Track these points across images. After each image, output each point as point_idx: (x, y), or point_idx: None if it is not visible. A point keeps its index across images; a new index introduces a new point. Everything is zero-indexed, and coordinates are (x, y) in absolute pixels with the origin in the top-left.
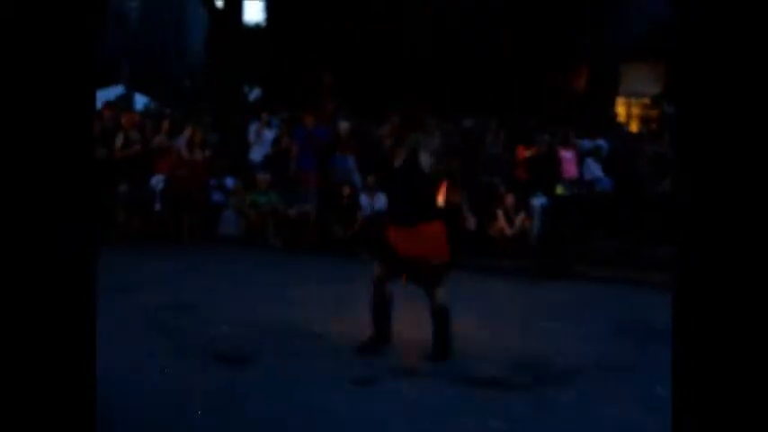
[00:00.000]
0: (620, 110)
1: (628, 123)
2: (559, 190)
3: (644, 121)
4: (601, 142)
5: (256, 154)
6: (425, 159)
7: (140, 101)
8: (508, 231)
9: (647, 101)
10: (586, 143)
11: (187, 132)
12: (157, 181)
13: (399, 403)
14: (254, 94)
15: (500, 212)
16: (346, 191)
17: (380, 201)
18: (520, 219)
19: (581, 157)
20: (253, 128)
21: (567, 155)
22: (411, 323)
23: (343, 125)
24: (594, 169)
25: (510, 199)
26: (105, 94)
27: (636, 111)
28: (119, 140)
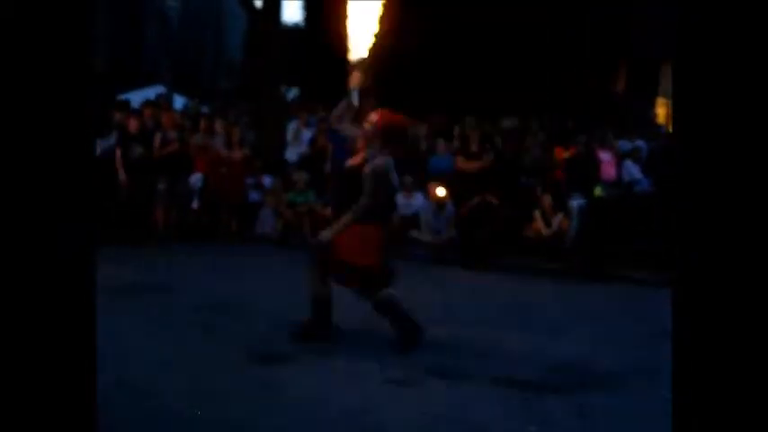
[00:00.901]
0: (660, 111)
1: (667, 124)
2: (597, 191)
3: None
4: (640, 143)
5: (294, 153)
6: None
7: (179, 100)
8: (545, 232)
9: None
10: (625, 144)
11: (219, 127)
12: (196, 179)
13: (438, 405)
14: (292, 93)
15: (537, 213)
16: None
17: (417, 200)
18: (557, 220)
19: (620, 159)
20: (291, 127)
21: (605, 156)
22: (450, 322)
23: None
24: (633, 171)
25: (547, 200)
26: (145, 94)
27: None
28: (157, 139)
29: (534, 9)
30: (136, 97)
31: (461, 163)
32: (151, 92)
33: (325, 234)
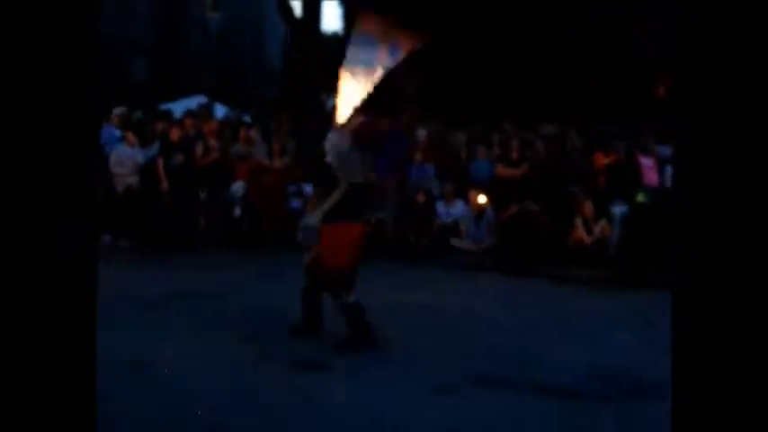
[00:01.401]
0: None
1: None
2: (639, 197)
3: None
4: None
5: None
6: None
7: (220, 109)
8: (587, 239)
9: None
10: (666, 150)
11: (258, 136)
12: (237, 188)
13: (478, 412)
14: (332, 101)
15: (578, 220)
16: (420, 198)
17: (458, 208)
18: (599, 227)
19: (661, 164)
20: (332, 135)
21: (646, 162)
22: (490, 330)
23: (421, 133)
24: None
25: (589, 207)
26: (187, 103)
27: None
28: (199, 148)
29: (575, 11)
30: (177, 107)
31: (501, 170)
32: (192, 101)
33: (312, 220)
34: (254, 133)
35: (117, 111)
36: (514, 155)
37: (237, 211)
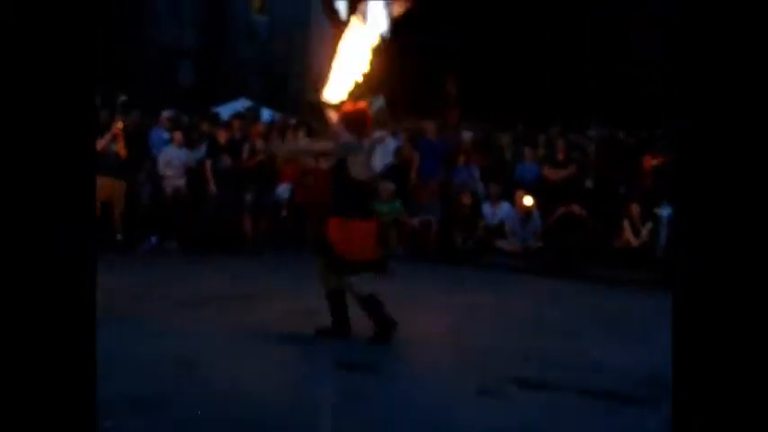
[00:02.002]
0: None
1: None
2: None
3: None
4: None
5: (379, 163)
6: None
7: (266, 112)
8: (634, 242)
9: None
10: None
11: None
12: (283, 190)
13: (523, 415)
14: (378, 104)
15: (626, 223)
16: (466, 200)
17: (503, 209)
18: (646, 229)
19: None
20: (377, 137)
21: None
22: (537, 332)
23: (466, 135)
24: None
25: (636, 209)
26: (233, 107)
27: None
28: (246, 150)
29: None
30: (224, 110)
31: (548, 171)
32: (239, 105)
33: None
34: (300, 136)
35: (165, 113)
36: (561, 156)
37: (283, 213)
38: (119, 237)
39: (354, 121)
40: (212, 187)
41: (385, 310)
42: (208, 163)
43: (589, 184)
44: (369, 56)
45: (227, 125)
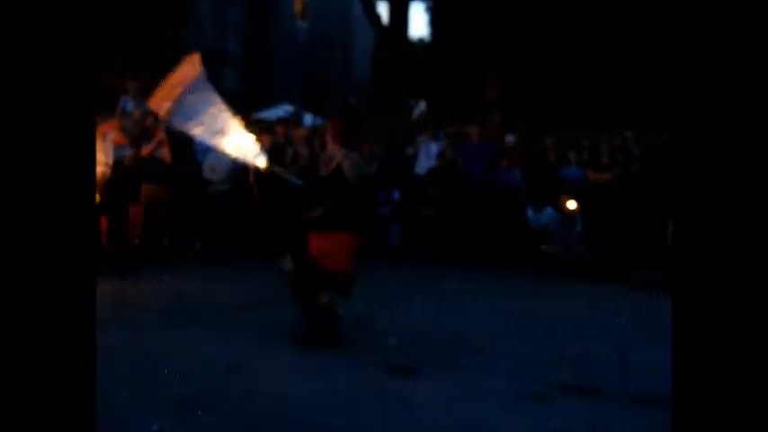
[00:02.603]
0: None
1: None
2: None
3: None
4: None
5: (423, 167)
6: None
7: (308, 118)
8: None
9: None
10: None
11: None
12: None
13: (567, 422)
14: (420, 108)
15: (671, 225)
16: (508, 204)
17: (547, 214)
18: None
19: None
20: (420, 141)
21: None
22: (581, 337)
23: (509, 138)
24: None
25: None
26: (275, 112)
27: None
28: (289, 155)
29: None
30: (267, 115)
31: (592, 175)
32: (281, 110)
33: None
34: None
35: None
36: (605, 159)
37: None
38: (164, 242)
39: (344, 132)
40: (256, 191)
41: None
42: (251, 168)
43: (634, 186)
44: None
45: (270, 130)
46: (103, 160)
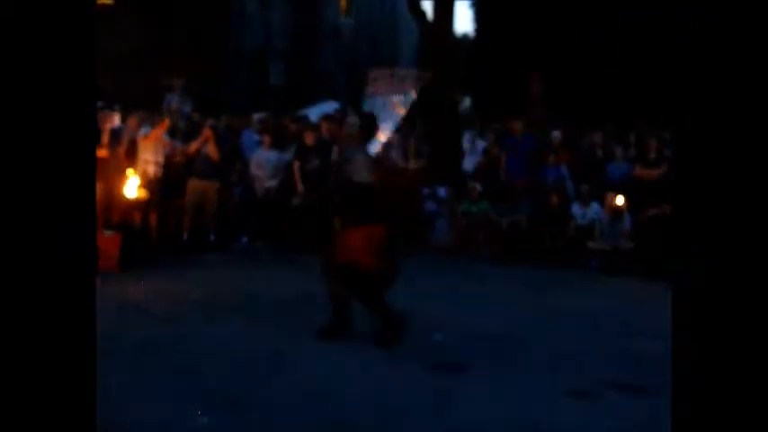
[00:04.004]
0: None
1: None
2: None
3: None
4: None
5: (469, 163)
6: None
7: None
8: None
9: None
10: None
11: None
12: None
13: (617, 419)
14: (465, 103)
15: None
16: (554, 200)
17: (593, 210)
18: None
19: None
20: (466, 137)
21: None
22: (629, 334)
23: (555, 134)
24: None
25: None
26: (321, 109)
27: None
28: (334, 152)
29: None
30: (312, 112)
31: (639, 171)
32: (326, 107)
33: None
34: (394, 137)
35: (256, 116)
36: (652, 155)
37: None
38: (211, 237)
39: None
40: (300, 188)
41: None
42: (296, 164)
43: None
44: None
45: (314, 127)
46: (153, 159)
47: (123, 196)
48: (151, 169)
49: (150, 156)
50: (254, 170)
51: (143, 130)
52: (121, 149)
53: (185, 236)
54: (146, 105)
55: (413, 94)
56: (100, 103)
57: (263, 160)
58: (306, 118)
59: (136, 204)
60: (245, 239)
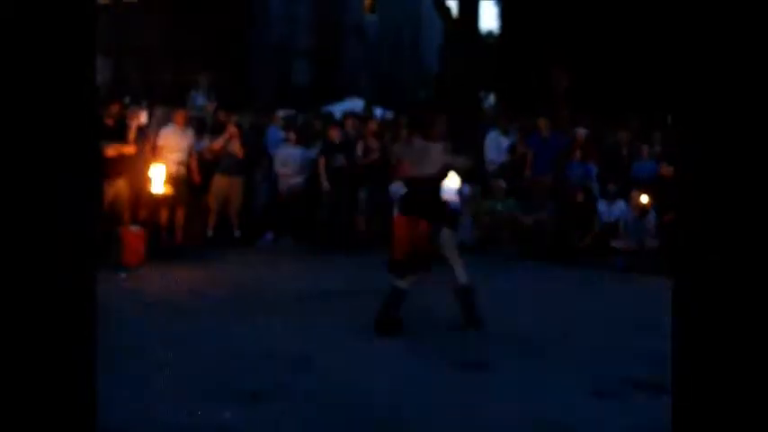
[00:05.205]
0: None
1: None
2: None
3: None
4: None
5: (492, 161)
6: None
7: (378, 112)
8: None
9: None
10: None
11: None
12: (397, 187)
13: (641, 418)
14: (489, 100)
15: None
16: (580, 197)
17: (618, 208)
18: None
19: None
20: (490, 135)
21: None
22: (655, 334)
23: (581, 131)
24: None
25: None
26: (345, 106)
27: None
28: (360, 149)
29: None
30: (336, 109)
31: (665, 169)
32: (351, 104)
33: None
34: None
35: (281, 112)
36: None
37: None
38: (236, 233)
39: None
40: (325, 185)
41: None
42: (321, 161)
43: None
44: None
45: (340, 124)
46: (175, 158)
47: (150, 192)
48: (174, 166)
49: (175, 156)
50: (279, 167)
51: (168, 127)
52: (148, 146)
53: (210, 232)
54: (172, 102)
55: None
56: (127, 100)
57: (287, 157)
58: (331, 115)
59: (162, 200)
60: (269, 236)
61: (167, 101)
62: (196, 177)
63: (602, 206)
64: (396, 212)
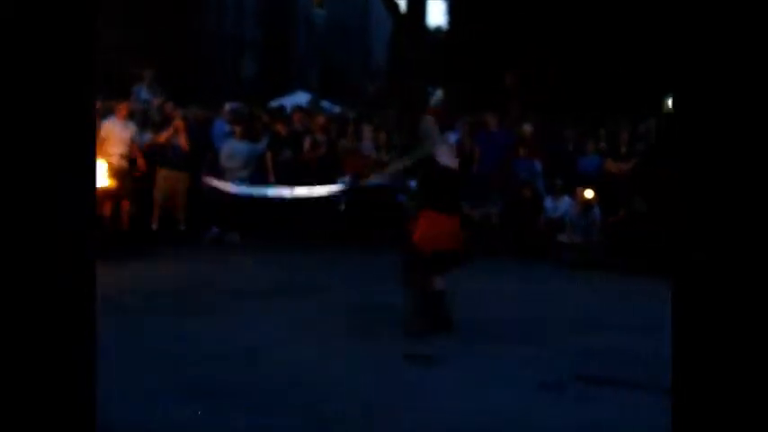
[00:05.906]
0: None
1: None
2: None
3: None
4: None
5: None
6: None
7: (326, 105)
8: None
9: None
10: None
11: (368, 133)
12: (344, 183)
13: (591, 412)
14: (436, 96)
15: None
16: (527, 193)
17: (564, 203)
18: None
19: None
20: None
21: None
22: (600, 328)
23: (527, 128)
24: None
25: None
26: (293, 100)
27: None
28: (307, 143)
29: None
30: (284, 102)
31: (610, 165)
32: (299, 98)
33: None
34: (367, 129)
35: (228, 106)
36: (623, 149)
37: (342, 207)
38: (181, 228)
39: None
40: (273, 179)
41: (446, 309)
42: (269, 155)
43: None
44: None
45: (287, 118)
46: (117, 151)
47: None
48: (116, 159)
49: (115, 149)
50: (225, 161)
51: (108, 120)
52: None
53: (155, 226)
54: (115, 96)
55: None
56: None
57: (233, 151)
58: (283, 108)
59: (106, 194)
60: (216, 230)
61: (112, 95)
62: (143, 168)
63: (548, 202)
64: (416, 207)
